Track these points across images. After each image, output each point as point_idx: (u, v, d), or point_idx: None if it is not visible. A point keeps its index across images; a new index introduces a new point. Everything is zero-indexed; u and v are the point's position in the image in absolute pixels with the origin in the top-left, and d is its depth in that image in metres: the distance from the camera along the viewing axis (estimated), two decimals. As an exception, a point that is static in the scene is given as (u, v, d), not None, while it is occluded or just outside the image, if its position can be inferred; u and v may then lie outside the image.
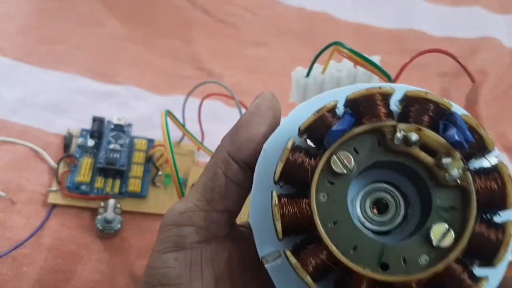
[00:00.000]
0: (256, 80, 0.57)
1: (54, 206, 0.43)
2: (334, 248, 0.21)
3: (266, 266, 0.23)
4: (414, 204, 0.23)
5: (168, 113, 0.39)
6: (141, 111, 0.51)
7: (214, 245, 0.25)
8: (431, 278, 0.20)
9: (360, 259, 0.21)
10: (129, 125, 0.47)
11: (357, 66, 0.35)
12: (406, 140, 0.21)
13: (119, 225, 0.41)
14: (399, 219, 0.23)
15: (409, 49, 0.66)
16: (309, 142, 0.23)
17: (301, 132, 0.23)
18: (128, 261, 0.41)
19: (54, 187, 0.43)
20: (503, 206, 0.21)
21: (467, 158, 0.22)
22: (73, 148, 0.46)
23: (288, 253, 0.21)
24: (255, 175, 0.24)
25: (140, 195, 0.44)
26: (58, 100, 0.50)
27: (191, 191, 0.26)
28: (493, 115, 0.58)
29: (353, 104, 0.23)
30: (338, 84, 0.36)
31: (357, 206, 0.24)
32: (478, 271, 0.21)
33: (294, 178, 0.22)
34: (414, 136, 0.21)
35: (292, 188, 0.23)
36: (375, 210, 0.24)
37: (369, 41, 0.67)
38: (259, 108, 0.25)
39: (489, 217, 0.22)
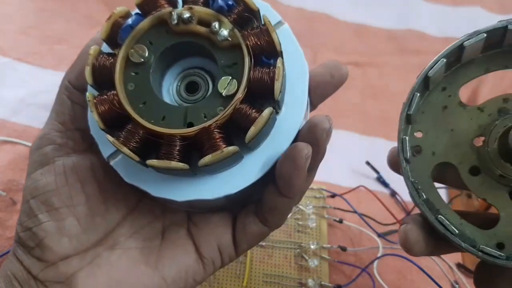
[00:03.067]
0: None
1: (54, 205, 0.43)
2: (143, 120, 0.25)
3: (111, 163, 0.27)
4: (219, 78, 0.27)
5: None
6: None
7: (75, 157, 0.28)
8: (227, 121, 0.25)
9: (170, 125, 0.25)
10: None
11: None
12: (182, 19, 0.26)
13: (119, 225, 0.41)
14: (210, 92, 0.27)
15: (408, 49, 0.66)
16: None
17: (104, 40, 0.26)
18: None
19: (55, 186, 0.43)
20: (274, 53, 0.26)
21: (241, 24, 0.26)
22: (73, 148, 0.46)
23: (107, 135, 0.24)
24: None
25: (140, 195, 0.44)
26: (59, 100, 0.51)
27: (47, 120, 0.29)
28: (492, 115, 0.58)
29: (141, 7, 0.27)
30: None
31: (173, 92, 0.28)
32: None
33: (104, 79, 0.26)
34: (186, 14, 0.25)
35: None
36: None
37: (369, 41, 0.67)
38: (94, 42, 0.29)
39: (264, 62, 0.26)
